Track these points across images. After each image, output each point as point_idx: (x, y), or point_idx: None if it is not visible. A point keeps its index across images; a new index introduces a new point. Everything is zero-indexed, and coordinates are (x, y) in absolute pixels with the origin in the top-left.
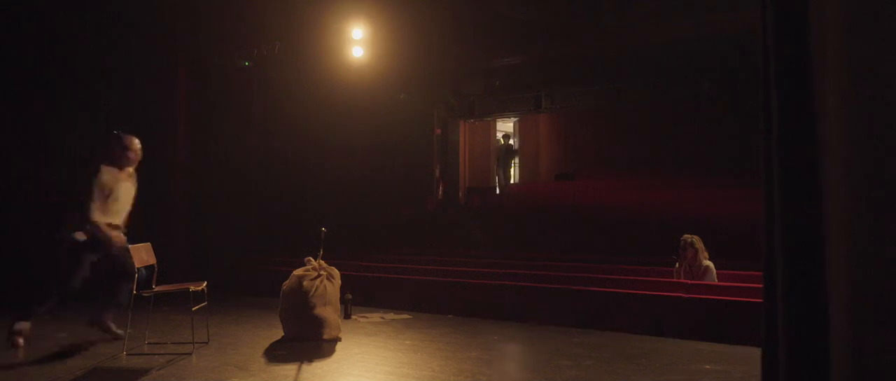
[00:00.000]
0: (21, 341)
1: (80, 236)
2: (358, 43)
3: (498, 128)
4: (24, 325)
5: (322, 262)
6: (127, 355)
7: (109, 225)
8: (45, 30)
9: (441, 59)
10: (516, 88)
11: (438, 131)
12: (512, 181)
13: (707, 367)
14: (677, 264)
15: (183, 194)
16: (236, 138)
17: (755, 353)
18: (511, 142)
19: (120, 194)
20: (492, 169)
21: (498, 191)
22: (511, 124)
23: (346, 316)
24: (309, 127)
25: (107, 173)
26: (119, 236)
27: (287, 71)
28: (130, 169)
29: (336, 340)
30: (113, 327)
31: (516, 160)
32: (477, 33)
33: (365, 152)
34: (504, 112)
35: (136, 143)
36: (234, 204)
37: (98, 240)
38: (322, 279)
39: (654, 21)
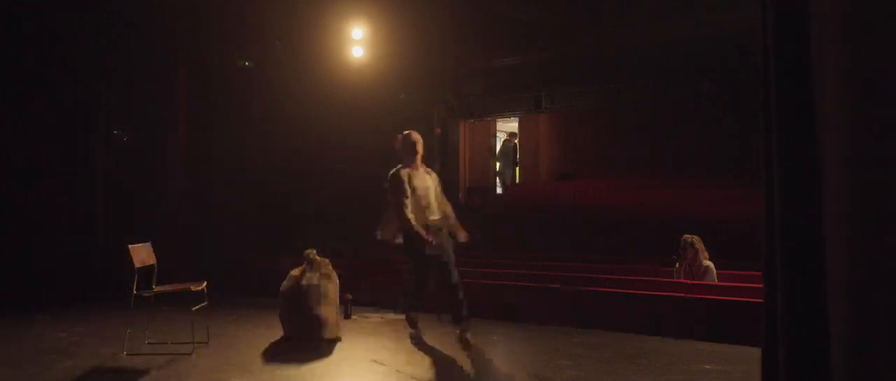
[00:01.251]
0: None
1: (398, 239)
2: (358, 43)
3: (498, 128)
4: (412, 315)
5: (312, 251)
6: (127, 355)
7: (426, 224)
8: (45, 30)
9: (441, 59)
10: (516, 88)
11: (438, 131)
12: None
13: (707, 367)
14: (677, 264)
15: (183, 193)
16: (236, 138)
17: (755, 353)
18: (516, 142)
19: (421, 190)
20: (493, 169)
21: (500, 191)
22: (515, 124)
23: (347, 316)
24: (309, 127)
25: (407, 175)
26: (434, 235)
27: (287, 71)
28: (419, 163)
29: (336, 340)
30: (468, 338)
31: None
32: (477, 33)
33: (365, 152)
34: (504, 112)
35: (416, 137)
36: (234, 204)
37: (411, 239)
38: (321, 279)
39: (654, 21)
